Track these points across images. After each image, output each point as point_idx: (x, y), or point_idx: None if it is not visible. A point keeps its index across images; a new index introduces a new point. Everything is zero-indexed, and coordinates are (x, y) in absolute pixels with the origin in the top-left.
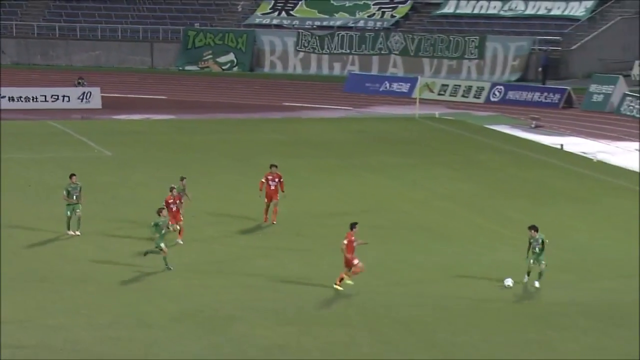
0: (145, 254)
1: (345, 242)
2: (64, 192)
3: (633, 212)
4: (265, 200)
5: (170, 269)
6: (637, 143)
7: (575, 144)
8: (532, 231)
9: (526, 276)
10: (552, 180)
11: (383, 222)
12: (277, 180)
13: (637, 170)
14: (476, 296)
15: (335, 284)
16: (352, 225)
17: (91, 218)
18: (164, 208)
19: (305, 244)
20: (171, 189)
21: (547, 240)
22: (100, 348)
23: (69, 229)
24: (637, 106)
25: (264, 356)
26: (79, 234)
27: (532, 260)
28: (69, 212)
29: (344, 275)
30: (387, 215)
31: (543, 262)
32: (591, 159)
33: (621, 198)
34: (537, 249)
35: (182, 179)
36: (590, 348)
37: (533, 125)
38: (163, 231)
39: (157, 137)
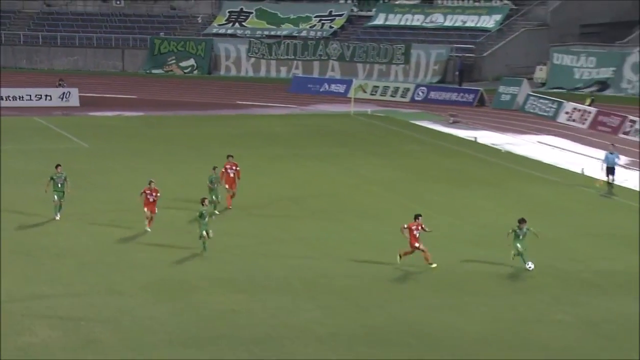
0: (203, 248)
1: (416, 229)
2: (49, 179)
3: (534, 194)
4: (227, 186)
5: (205, 250)
6: (538, 136)
7: (486, 137)
8: (522, 223)
9: (522, 260)
10: (467, 168)
11: (322, 204)
12: (234, 168)
13: (540, 159)
14: (403, 267)
15: (400, 256)
16: (416, 217)
17: (70, 201)
18: (205, 198)
19: (256, 223)
20: (150, 182)
21: (531, 229)
22: (77, 313)
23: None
24: (539, 104)
25: (219, 319)
26: (58, 218)
27: (519, 245)
28: (55, 197)
29: (426, 256)
30: (326, 198)
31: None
32: (500, 150)
33: (525, 183)
34: (520, 237)
35: (214, 168)
36: (498, 310)
37: (451, 121)
38: (206, 219)
39: (128, 130)
